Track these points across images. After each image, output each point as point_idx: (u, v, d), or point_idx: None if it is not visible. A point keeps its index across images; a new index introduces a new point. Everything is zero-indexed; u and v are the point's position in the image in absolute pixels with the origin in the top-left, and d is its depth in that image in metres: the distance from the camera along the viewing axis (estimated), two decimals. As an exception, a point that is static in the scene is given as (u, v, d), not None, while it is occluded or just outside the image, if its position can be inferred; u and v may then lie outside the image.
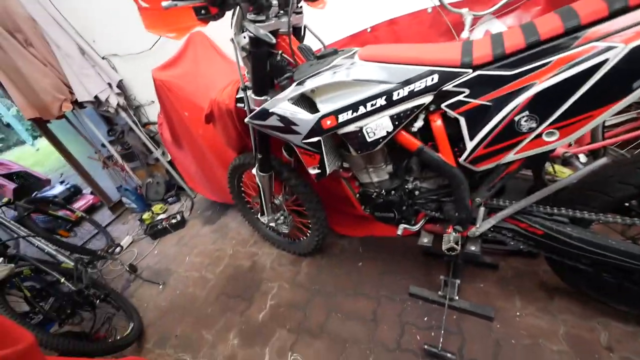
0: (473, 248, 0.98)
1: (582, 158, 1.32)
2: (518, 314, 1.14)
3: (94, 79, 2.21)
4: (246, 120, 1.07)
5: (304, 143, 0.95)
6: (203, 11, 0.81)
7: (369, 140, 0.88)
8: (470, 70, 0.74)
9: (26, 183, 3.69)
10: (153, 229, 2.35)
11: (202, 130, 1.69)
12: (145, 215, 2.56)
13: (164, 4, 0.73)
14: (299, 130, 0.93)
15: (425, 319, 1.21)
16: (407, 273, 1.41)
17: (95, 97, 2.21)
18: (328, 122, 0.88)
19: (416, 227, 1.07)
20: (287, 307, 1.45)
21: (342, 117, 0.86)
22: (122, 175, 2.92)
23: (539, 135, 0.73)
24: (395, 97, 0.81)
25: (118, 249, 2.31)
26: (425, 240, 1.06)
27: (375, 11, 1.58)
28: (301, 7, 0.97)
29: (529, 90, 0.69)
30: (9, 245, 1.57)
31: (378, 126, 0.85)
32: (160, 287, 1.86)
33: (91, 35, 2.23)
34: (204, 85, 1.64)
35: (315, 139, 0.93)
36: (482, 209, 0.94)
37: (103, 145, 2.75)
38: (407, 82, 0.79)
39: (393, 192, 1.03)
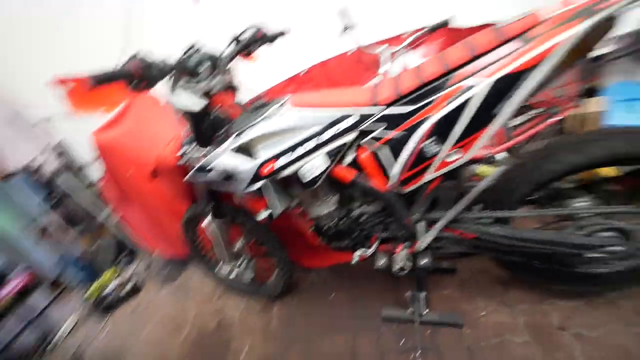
0: (423, 262, 1.04)
1: (502, 155, 1.52)
2: (482, 313, 1.20)
3: (25, 146, 2.03)
4: (186, 178, 1.08)
5: (248, 191, 0.98)
6: (135, 81, 0.83)
7: (307, 179, 0.94)
8: (384, 107, 0.87)
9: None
10: (102, 303, 2.09)
11: (151, 185, 1.63)
12: (93, 288, 2.28)
13: (90, 82, 0.74)
14: (240, 180, 0.96)
15: (402, 341, 1.20)
16: (376, 295, 1.42)
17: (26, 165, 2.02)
18: (267, 169, 0.93)
19: (370, 251, 1.12)
20: (262, 363, 1.35)
21: (280, 162, 0.92)
22: (63, 245, 2.61)
23: (446, 156, 0.85)
24: (324, 138, 0.90)
25: (54, 342, 1.95)
26: (381, 262, 1.11)
27: (306, 56, 1.74)
28: (230, 67, 1.05)
29: (427, 121, 0.83)
30: None
31: (313, 166, 0.93)
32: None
33: (25, 99, 2.10)
34: (149, 140, 1.61)
35: (257, 186, 0.96)
36: (421, 224, 1.02)
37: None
38: (333, 124, 0.90)
39: (342, 220, 1.09)
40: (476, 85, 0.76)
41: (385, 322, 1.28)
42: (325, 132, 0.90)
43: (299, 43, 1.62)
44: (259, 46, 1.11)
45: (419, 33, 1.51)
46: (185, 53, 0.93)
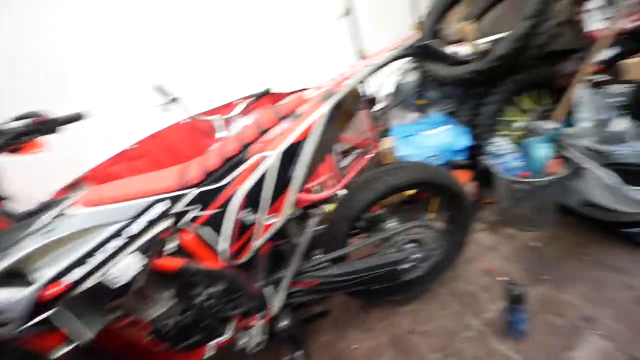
0: (283, 323, 1.03)
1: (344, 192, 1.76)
2: (355, 346, 1.26)
3: None
4: None
5: (28, 329, 0.73)
6: None
7: (118, 285, 0.78)
8: (195, 189, 0.85)
9: None
10: None
11: None
12: None
13: None
14: (10, 318, 0.71)
15: None
16: None
17: None
18: (51, 291, 0.72)
19: (227, 336, 1.02)
20: None
21: (72, 277, 0.73)
22: None
23: (264, 221, 0.90)
24: (133, 232, 0.79)
25: None
26: (241, 342, 1.03)
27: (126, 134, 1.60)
28: None
29: (238, 194, 0.86)
30: None
31: (124, 268, 0.78)
32: None
33: None
34: None
35: (40, 318, 0.73)
36: (268, 289, 1.02)
37: None
38: (140, 215, 0.80)
39: (185, 314, 0.96)
40: (269, 157, 0.85)
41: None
42: (132, 226, 0.79)
43: (110, 123, 1.50)
44: (36, 137, 0.92)
45: (247, 100, 1.65)
46: None
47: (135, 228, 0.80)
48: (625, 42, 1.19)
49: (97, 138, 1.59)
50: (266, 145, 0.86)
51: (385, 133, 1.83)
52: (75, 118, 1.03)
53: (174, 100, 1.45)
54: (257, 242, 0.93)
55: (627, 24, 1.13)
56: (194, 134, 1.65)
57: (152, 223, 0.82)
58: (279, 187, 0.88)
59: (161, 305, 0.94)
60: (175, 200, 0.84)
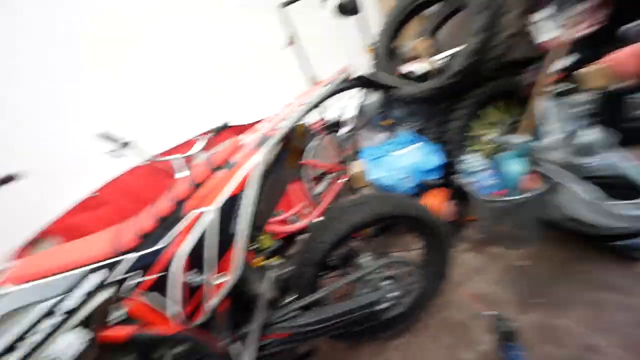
0: None
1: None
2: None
3: None
4: None
5: None
6: None
7: None
8: (132, 254, 0.78)
9: None
10: None
11: None
12: None
13: None
14: None
15: None
16: None
17: None
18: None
19: None
20: None
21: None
22: None
23: (213, 281, 0.81)
24: (70, 307, 0.72)
25: None
26: None
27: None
28: None
29: (178, 256, 0.78)
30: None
31: (66, 345, 0.70)
32: None
33: None
34: None
35: None
36: (235, 346, 0.91)
37: None
38: (75, 287, 0.73)
39: None
40: (206, 213, 0.77)
41: None
42: (67, 301, 0.72)
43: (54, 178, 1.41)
44: None
45: (207, 136, 1.57)
46: None
47: (71, 302, 0.73)
48: (583, 49, 1.16)
49: (51, 193, 1.51)
50: (202, 201, 0.78)
51: (354, 156, 1.76)
52: (7, 180, 0.96)
53: (125, 145, 1.36)
54: (211, 302, 0.84)
55: (578, 32, 1.10)
56: (153, 176, 1.56)
57: (90, 294, 0.75)
58: (223, 244, 0.80)
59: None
60: (111, 267, 0.77)
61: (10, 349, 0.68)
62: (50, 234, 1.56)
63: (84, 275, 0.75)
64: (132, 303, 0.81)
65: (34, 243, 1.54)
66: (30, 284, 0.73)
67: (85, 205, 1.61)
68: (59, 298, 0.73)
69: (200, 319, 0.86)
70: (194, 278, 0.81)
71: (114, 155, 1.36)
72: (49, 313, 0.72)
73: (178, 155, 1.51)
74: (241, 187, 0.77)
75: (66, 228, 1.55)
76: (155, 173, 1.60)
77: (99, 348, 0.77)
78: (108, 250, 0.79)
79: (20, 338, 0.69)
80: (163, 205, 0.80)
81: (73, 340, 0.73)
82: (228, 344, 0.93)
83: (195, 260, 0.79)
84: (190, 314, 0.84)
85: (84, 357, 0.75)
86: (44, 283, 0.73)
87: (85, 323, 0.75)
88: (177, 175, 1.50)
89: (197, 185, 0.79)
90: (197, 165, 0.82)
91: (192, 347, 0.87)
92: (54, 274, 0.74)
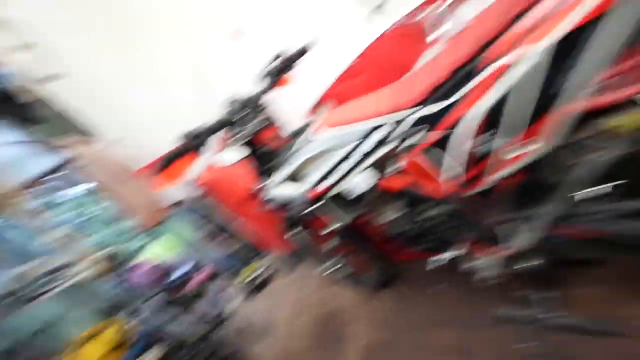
0: (529, 263, 0.87)
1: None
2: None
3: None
4: (264, 208, 1.28)
5: (308, 213, 1.09)
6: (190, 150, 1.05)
7: (353, 197, 0.96)
8: (418, 108, 0.78)
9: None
10: (251, 286, 2.79)
11: (250, 209, 1.96)
12: (242, 275, 3.04)
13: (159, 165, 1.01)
14: (296, 206, 1.09)
15: (526, 344, 0.98)
16: (492, 291, 1.13)
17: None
18: (314, 193, 1.01)
19: (461, 252, 1.00)
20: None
21: (323, 185, 0.98)
22: (220, 247, 3.58)
23: (512, 150, 0.69)
24: (362, 153, 0.89)
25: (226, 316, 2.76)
26: (466, 266, 0.99)
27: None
28: (263, 104, 1.15)
29: (475, 111, 0.68)
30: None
31: (357, 183, 0.93)
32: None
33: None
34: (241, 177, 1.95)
35: (312, 208, 1.06)
36: (509, 226, 0.86)
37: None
38: (367, 137, 0.88)
39: (413, 226, 1.03)
40: (523, 58, 0.57)
41: (501, 321, 1.06)
42: (361, 147, 0.89)
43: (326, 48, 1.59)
44: (288, 71, 1.17)
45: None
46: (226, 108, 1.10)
47: (364, 149, 0.88)
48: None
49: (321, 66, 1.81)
50: (518, 40, 0.58)
51: None
52: (302, 52, 1.18)
53: (380, 4, 1.30)
54: (498, 174, 0.75)
55: None
56: (403, 41, 1.47)
57: (378, 145, 0.87)
58: (542, 101, 0.61)
59: (391, 214, 1.08)
60: (402, 119, 0.82)
61: (328, 174, 0.95)
62: (326, 99, 1.99)
63: (377, 126, 0.85)
64: (411, 158, 0.86)
65: (316, 107, 2.04)
66: (339, 128, 0.93)
67: (349, 73, 1.80)
68: (357, 142, 0.88)
69: (475, 189, 0.82)
70: (486, 143, 0.71)
71: (373, 14, 1.35)
72: (351, 153, 0.90)
73: (427, 14, 1.28)
74: (599, 11, 0.48)
75: (337, 94, 1.87)
76: (405, 36, 1.50)
77: (378, 192, 0.95)
78: (398, 103, 0.81)
79: (333, 168, 0.94)
80: (459, 50, 0.69)
81: (363, 180, 0.93)
82: (498, 222, 0.87)
83: (493, 120, 0.67)
84: (469, 181, 0.81)
85: (368, 195, 0.95)
86: (348, 129, 0.90)
87: (373, 168, 0.90)
88: (434, 35, 1.31)
89: (513, 19, 0.59)
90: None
91: (455, 214, 0.90)
92: (357, 121, 0.89)
